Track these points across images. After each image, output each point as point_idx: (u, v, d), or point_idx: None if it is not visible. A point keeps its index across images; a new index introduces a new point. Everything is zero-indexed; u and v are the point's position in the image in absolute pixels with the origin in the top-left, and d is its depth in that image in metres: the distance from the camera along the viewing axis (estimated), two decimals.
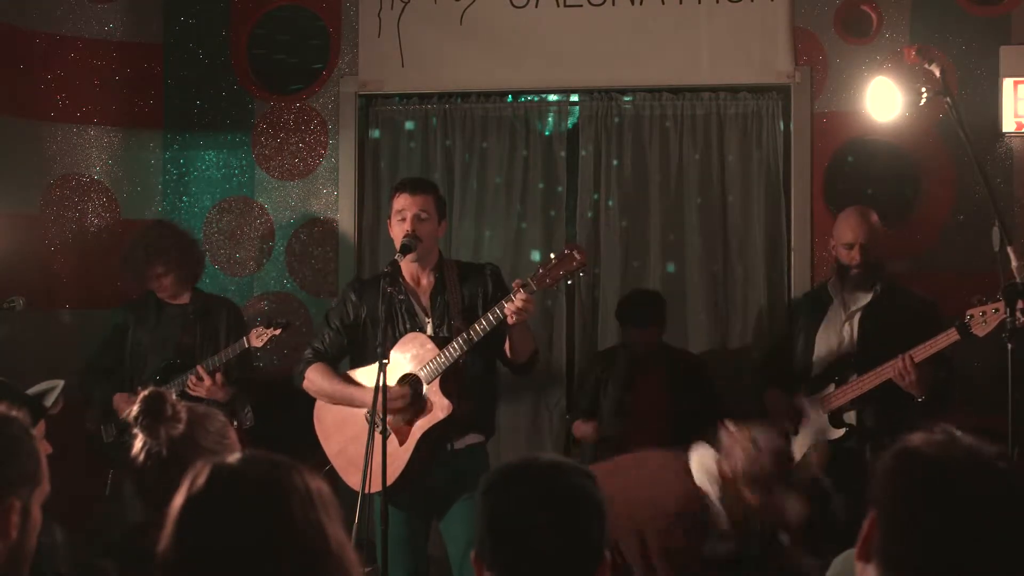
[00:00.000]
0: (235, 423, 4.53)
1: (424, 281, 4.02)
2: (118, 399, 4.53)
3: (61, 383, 2.91)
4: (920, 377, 3.91)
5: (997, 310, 3.60)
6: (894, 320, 4.19)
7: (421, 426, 3.84)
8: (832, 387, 4.18)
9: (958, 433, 1.63)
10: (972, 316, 3.76)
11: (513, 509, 1.78)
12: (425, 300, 3.99)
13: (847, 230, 4.29)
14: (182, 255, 4.65)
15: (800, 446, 4.26)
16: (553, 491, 1.79)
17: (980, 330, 3.74)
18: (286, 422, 4.51)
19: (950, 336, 3.85)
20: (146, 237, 4.69)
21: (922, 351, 3.91)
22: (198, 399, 4.33)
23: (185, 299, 4.68)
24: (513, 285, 3.73)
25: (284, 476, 1.58)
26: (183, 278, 4.66)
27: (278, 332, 4.42)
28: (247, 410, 4.59)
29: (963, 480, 1.56)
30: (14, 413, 1.93)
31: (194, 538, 1.55)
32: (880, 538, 1.58)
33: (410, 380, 3.86)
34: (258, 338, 4.42)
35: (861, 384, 4.07)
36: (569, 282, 3.97)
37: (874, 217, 4.32)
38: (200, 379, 4.43)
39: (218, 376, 4.45)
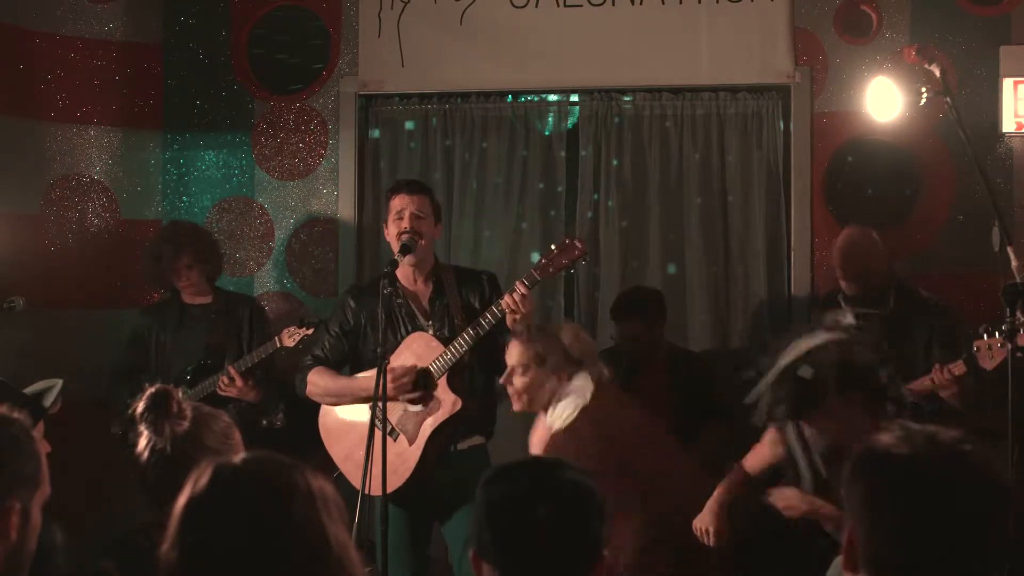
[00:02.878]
0: (265, 423, 4.52)
1: (421, 285, 4.04)
2: None
3: (60, 382, 2.91)
4: (963, 388, 3.83)
5: (1002, 344, 3.46)
6: (907, 327, 4.16)
7: (431, 423, 3.86)
8: None
9: (914, 426, 1.63)
10: (979, 349, 3.69)
11: (513, 503, 1.78)
12: (424, 303, 4.01)
13: (834, 259, 4.31)
14: (206, 247, 4.70)
15: None
16: (554, 486, 1.79)
17: (987, 363, 3.66)
18: (292, 420, 4.52)
19: (958, 368, 3.80)
20: (169, 232, 4.73)
21: (934, 377, 3.86)
22: (229, 400, 4.34)
23: (207, 298, 4.69)
24: (516, 284, 3.75)
25: (287, 476, 1.59)
26: (207, 272, 4.68)
27: (311, 332, 4.36)
28: (279, 410, 4.57)
29: (926, 470, 1.57)
30: (16, 415, 1.93)
31: (196, 538, 1.55)
32: (861, 545, 1.59)
33: (420, 374, 3.87)
34: (290, 338, 4.38)
35: None
36: (572, 271, 3.99)
37: (864, 241, 4.28)
38: (232, 380, 4.40)
39: (248, 378, 4.43)
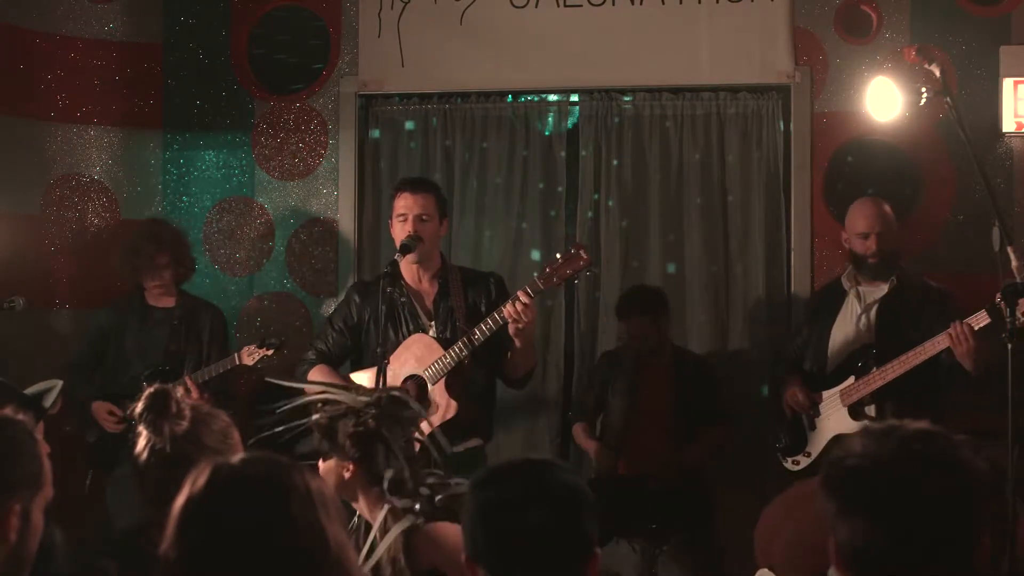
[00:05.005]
0: None
1: (427, 284, 4.03)
2: (97, 407, 4.50)
3: (59, 383, 2.91)
4: (978, 347, 3.81)
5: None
6: (912, 311, 4.16)
7: (426, 427, 3.85)
8: (852, 379, 4.16)
9: (876, 426, 1.64)
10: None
11: (505, 506, 1.78)
12: (428, 304, 4.01)
13: (861, 220, 4.27)
14: (183, 250, 4.71)
15: (818, 441, 4.25)
16: (545, 487, 1.80)
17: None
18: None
19: (980, 319, 3.79)
20: (147, 229, 4.72)
21: (952, 332, 3.83)
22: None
23: (170, 302, 4.68)
24: (518, 293, 3.74)
25: (284, 476, 1.59)
26: (179, 275, 4.69)
27: (271, 353, 4.36)
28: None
29: (892, 474, 1.58)
30: (20, 416, 1.93)
31: (195, 538, 1.55)
32: (846, 555, 1.59)
33: (415, 381, 3.87)
34: (249, 356, 4.37)
35: (891, 370, 4.02)
36: (576, 281, 3.99)
37: (886, 206, 4.31)
38: (188, 391, 4.37)
39: (205, 392, 4.39)
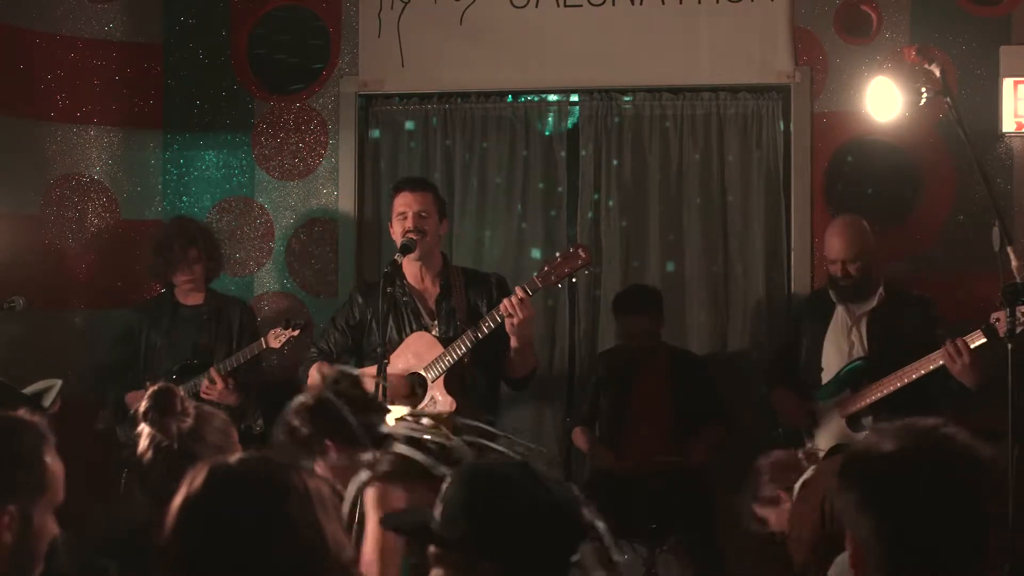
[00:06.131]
0: (242, 426, 4.50)
1: (429, 284, 4.05)
2: (132, 397, 4.50)
3: (59, 382, 2.92)
4: (974, 362, 3.79)
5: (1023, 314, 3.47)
6: (900, 323, 4.17)
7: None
8: (848, 392, 4.16)
9: (886, 425, 1.65)
10: (999, 319, 3.67)
11: (509, 501, 1.77)
12: (431, 303, 4.02)
13: (832, 247, 4.29)
14: (213, 245, 4.75)
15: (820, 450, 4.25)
16: (544, 482, 1.79)
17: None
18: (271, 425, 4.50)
19: (975, 338, 3.79)
20: (176, 226, 4.75)
21: (948, 351, 3.82)
22: (209, 403, 4.32)
23: (199, 299, 4.69)
24: (516, 289, 3.76)
25: (282, 476, 1.59)
26: (210, 270, 4.72)
27: (296, 333, 4.38)
28: (258, 415, 4.56)
29: (912, 461, 1.60)
30: (31, 418, 1.93)
31: (192, 538, 1.55)
32: (870, 551, 1.59)
33: (414, 378, 3.89)
34: (276, 339, 4.38)
35: (888, 384, 4.02)
36: (573, 280, 4.00)
37: (862, 226, 4.30)
38: (213, 382, 4.39)
39: (230, 380, 4.42)
